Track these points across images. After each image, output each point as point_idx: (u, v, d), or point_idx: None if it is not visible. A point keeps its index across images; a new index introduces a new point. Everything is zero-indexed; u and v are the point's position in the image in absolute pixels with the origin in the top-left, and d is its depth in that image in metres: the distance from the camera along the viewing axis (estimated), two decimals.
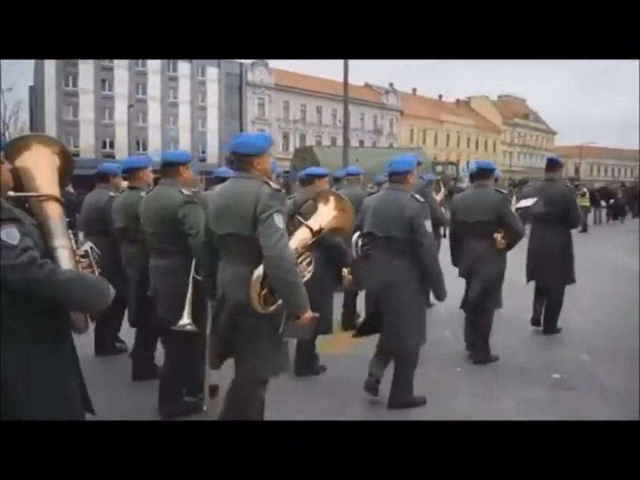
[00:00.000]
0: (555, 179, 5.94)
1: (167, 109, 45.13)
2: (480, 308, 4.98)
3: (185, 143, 45.37)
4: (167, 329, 3.65)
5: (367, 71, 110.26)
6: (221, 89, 47.36)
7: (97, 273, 2.39)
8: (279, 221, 2.84)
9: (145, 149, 43.88)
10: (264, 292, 2.86)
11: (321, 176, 4.87)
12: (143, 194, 4.16)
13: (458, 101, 75.53)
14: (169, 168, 3.85)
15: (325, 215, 3.44)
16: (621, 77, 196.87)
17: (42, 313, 2.09)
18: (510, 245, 4.95)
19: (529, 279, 6.02)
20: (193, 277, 3.58)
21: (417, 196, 3.94)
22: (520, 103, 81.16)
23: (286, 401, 3.82)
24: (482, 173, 5.11)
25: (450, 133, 68.33)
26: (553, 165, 6.10)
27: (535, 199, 5.65)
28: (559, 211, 5.65)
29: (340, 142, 52.18)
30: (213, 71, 46.86)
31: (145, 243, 3.97)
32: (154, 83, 44.28)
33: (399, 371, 3.98)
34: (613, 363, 4.99)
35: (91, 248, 2.46)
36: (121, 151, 39.07)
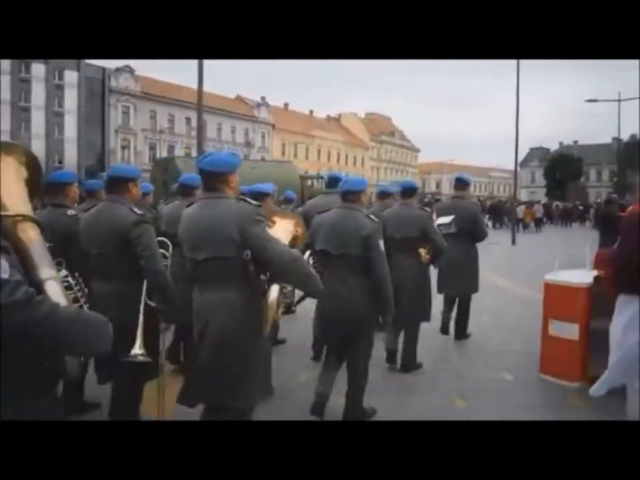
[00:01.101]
0: (463, 197, 6.41)
1: (17, 114, 41.21)
2: (409, 321, 5.26)
3: (38, 152, 41.52)
4: (114, 360, 3.13)
5: (239, 84, 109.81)
6: (80, 94, 44.15)
7: (85, 309, 2.12)
8: (269, 231, 2.91)
9: None
10: (280, 308, 3.00)
11: (265, 194, 5.01)
12: (70, 212, 3.98)
13: (328, 117, 77.33)
14: (116, 184, 3.59)
15: (284, 230, 3.31)
16: (478, 99, 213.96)
17: (30, 359, 1.76)
18: (433, 260, 5.30)
19: (440, 290, 6.35)
20: (145, 304, 3.33)
21: (372, 215, 4.07)
22: (386, 120, 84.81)
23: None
24: (406, 192, 5.51)
25: (321, 147, 69.66)
26: (462, 183, 6.48)
27: (452, 217, 6.00)
28: (467, 226, 6.11)
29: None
30: (71, 74, 43.57)
31: (84, 265, 3.53)
32: (2, 85, 40.23)
33: (355, 383, 4.06)
34: (484, 406, 4.53)
35: (74, 277, 2.19)
36: None
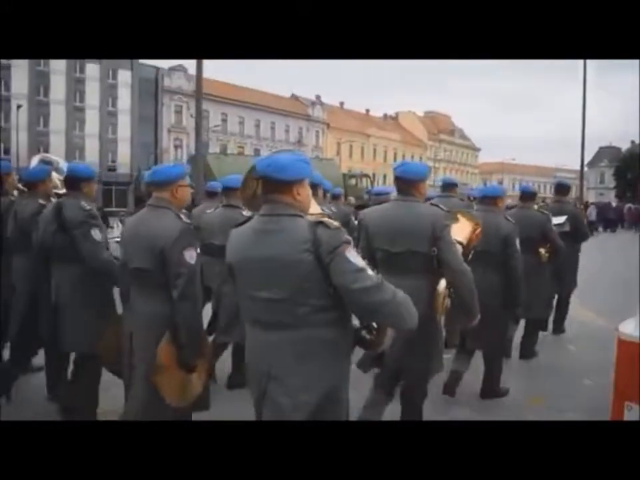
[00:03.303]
0: (563, 201, 6.85)
1: (72, 114, 41.78)
2: (531, 319, 5.80)
3: (92, 152, 42.11)
4: None
5: (294, 82, 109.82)
6: (134, 94, 44.39)
7: None
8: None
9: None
10: (446, 301, 3.37)
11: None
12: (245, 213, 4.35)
13: (385, 115, 75.76)
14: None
15: (462, 232, 3.62)
16: (537, 98, 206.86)
17: (345, 335, 2.19)
18: (551, 258, 5.67)
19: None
20: None
21: (509, 217, 4.67)
22: (446, 119, 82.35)
23: None
24: (525, 196, 5.87)
25: (377, 147, 68.30)
26: (564, 188, 7.07)
27: (565, 217, 6.26)
28: (572, 228, 6.37)
29: (264, 152, 50.82)
30: (125, 74, 43.86)
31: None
32: (57, 85, 40.84)
33: (490, 365, 4.67)
34: None
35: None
36: (20, 157, 35.40)
